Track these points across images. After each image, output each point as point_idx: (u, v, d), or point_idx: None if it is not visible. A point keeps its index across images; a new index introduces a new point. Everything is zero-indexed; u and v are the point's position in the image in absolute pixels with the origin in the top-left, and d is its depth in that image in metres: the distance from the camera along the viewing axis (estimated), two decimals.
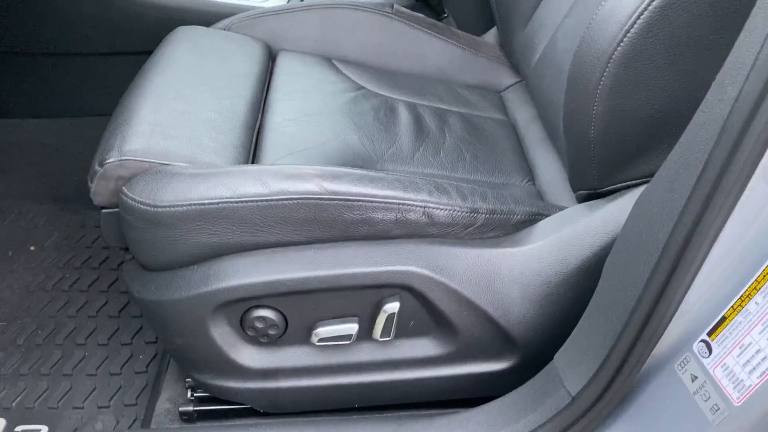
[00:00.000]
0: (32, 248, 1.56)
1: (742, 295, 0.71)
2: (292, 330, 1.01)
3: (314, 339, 1.00)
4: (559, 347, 0.92)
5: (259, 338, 1.00)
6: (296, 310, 0.99)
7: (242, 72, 1.25)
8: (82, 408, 1.25)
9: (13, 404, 1.25)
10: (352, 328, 1.00)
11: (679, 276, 0.72)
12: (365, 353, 1.04)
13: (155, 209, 0.93)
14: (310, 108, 1.22)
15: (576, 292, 0.96)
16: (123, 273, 1.09)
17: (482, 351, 1.03)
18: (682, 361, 0.76)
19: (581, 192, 1.03)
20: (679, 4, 0.82)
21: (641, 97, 0.88)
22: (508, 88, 1.49)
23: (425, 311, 1.00)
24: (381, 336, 1.01)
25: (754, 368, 0.69)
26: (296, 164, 1.05)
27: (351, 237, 0.96)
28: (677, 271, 0.72)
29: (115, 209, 1.00)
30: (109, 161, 0.98)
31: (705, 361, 0.74)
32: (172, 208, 0.92)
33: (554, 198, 1.15)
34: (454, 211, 0.96)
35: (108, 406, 1.26)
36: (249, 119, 1.15)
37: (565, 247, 0.96)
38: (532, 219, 1.01)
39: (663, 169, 0.77)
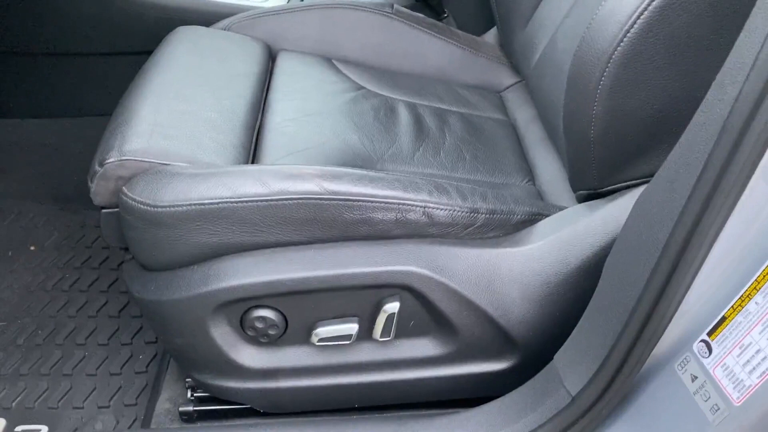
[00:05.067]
0: (32, 248, 1.56)
1: (742, 295, 0.71)
2: (292, 330, 1.01)
3: (314, 339, 1.00)
4: (559, 347, 0.92)
5: (259, 338, 1.00)
6: (296, 310, 0.99)
7: (242, 72, 1.25)
8: (82, 408, 1.25)
9: (13, 404, 1.25)
10: (352, 328, 1.00)
11: (679, 276, 0.72)
12: (365, 353, 1.04)
13: (155, 209, 0.93)
14: (310, 108, 1.22)
15: (576, 292, 0.96)
16: (123, 273, 1.09)
17: (482, 351, 1.03)
18: (682, 361, 0.76)
19: (581, 192, 1.03)
20: (679, 4, 0.82)
21: (641, 97, 0.88)
22: (508, 88, 1.49)
23: (425, 311, 1.00)
24: (381, 336, 1.01)
25: (754, 368, 0.69)
26: (296, 164, 1.05)
27: (351, 237, 0.96)
28: (677, 271, 0.72)
29: (115, 209, 1.00)
30: (109, 161, 0.98)
31: (705, 361, 0.74)
32: (172, 208, 0.92)
33: (554, 198, 1.15)
34: (454, 211, 0.96)
35: (108, 406, 1.26)
36: (249, 119, 1.15)
37: (565, 247, 0.96)
38: (532, 219, 1.01)
39: (663, 169, 0.77)
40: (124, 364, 1.33)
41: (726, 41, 0.79)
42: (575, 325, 0.90)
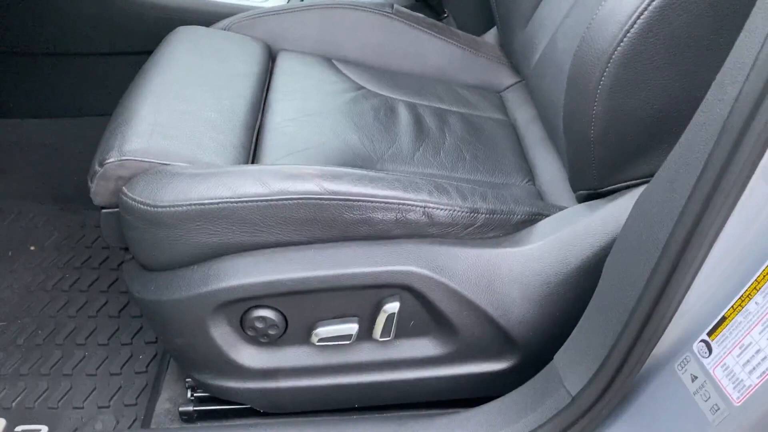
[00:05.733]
0: (32, 248, 1.56)
1: (742, 295, 0.71)
2: (292, 330, 1.01)
3: (314, 339, 1.00)
4: (559, 347, 0.92)
5: (259, 338, 1.00)
6: (296, 310, 0.99)
7: (242, 72, 1.25)
8: (82, 408, 1.25)
9: (13, 404, 1.25)
10: (352, 328, 1.00)
11: (679, 276, 0.72)
12: (365, 353, 1.04)
13: (155, 209, 0.93)
14: (310, 108, 1.22)
15: (576, 292, 0.96)
16: (123, 273, 1.09)
17: (482, 351, 1.03)
18: (682, 361, 0.76)
19: (581, 192, 1.03)
20: (679, 4, 0.82)
21: (641, 97, 0.88)
22: (508, 88, 1.49)
23: (425, 311, 1.00)
24: (381, 336, 1.01)
25: (754, 368, 0.69)
26: (296, 164, 1.05)
27: (351, 237, 0.96)
28: (677, 271, 0.72)
29: (115, 209, 1.00)
30: (109, 161, 0.98)
31: (705, 361, 0.74)
32: (172, 208, 0.92)
33: (554, 198, 1.15)
34: (454, 211, 0.96)
35: (108, 406, 1.26)
36: (249, 119, 1.15)
37: (565, 247, 0.96)
38: (532, 219, 1.01)
39: (663, 169, 0.77)
40: (124, 364, 1.33)
41: (726, 41, 0.79)
42: (575, 325, 0.90)
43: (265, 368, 1.03)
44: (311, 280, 0.95)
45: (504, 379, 1.04)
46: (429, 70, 1.47)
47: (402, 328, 1.02)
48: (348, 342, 1.01)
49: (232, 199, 0.92)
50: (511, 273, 0.97)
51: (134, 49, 1.62)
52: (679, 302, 0.74)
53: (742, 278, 0.71)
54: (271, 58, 1.39)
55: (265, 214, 0.93)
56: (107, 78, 1.72)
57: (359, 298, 0.98)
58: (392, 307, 0.98)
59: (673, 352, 0.78)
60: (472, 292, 0.97)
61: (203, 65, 1.22)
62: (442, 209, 0.96)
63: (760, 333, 0.69)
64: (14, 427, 1.20)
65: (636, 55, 0.85)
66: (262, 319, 0.98)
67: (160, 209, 0.92)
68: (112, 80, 1.47)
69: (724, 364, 0.72)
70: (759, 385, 0.69)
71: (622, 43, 0.84)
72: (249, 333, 1.00)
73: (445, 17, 1.74)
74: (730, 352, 0.72)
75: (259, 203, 0.93)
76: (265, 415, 1.11)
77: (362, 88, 1.33)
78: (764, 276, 0.69)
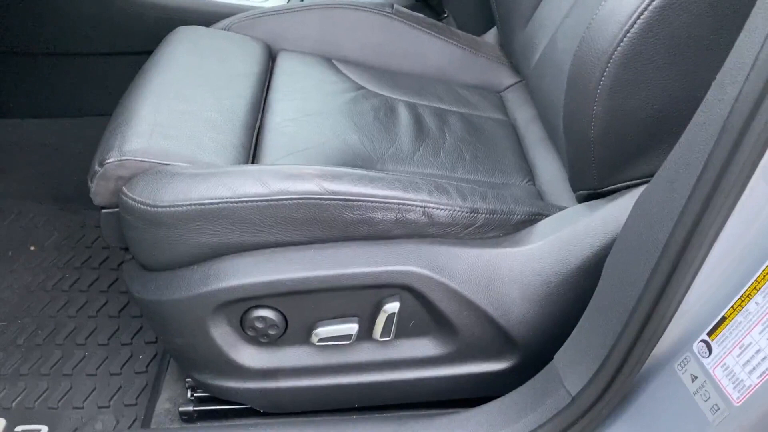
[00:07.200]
0: (32, 248, 1.56)
1: (742, 295, 0.71)
2: (292, 330, 1.01)
3: (314, 339, 1.00)
4: (559, 347, 0.92)
5: (259, 338, 1.00)
6: (296, 310, 0.99)
7: (242, 72, 1.25)
8: (82, 408, 1.25)
9: (13, 404, 1.25)
10: (352, 328, 1.00)
11: (679, 276, 0.72)
12: (365, 353, 1.04)
13: (155, 209, 0.93)
14: (310, 108, 1.22)
15: (576, 292, 0.96)
16: (123, 273, 1.09)
17: (482, 351, 1.03)
18: (682, 361, 0.76)
19: (581, 192, 1.03)
20: (679, 4, 0.82)
21: (641, 97, 0.88)
22: (508, 88, 1.49)
23: (425, 311, 1.00)
24: (381, 336, 1.01)
25: (754, 368, 0.69)
26: (296, 164, 1.05)
27: (351, 237, 0.96)
28: (677, 271, 0.72)
29: (115, 209, 1.00)
30: (109, 161, 0.98)
31: (705, 361, 0.74)
32: (172, 208, 0.92)
33: (554, 198, 1.15)
34: (454, 211, 0.96)
35: (108, 406, 1.26)
36: (249, 119, 1.15)
37: (565, 247, 0.96)
38: (532, 219, 1.01)
39: (663, 169, 0.77)
40: (124, 364, 1.33)
41: (726, 41, 0.79)
42: (575, 325, 0.90)
43: (265, 368, 1.03)
44: (311, 280, 0.95)
45: (504, 379, 1.04)
46: (429, 70, 1.47)
47: (402, 328, 1.02)
48: (348, 342, 1.01)
49: (232, 199, 0.92)
50: (511, 273, 0.97)
51: (134, 49, 1.62)
52: (679, 302, 0.74)
53: (742, 278, 0.71)
54: (271, 58, 1.39)
55: (265, 214, 0.93)
56: (107, 78, 1.72)
57: (359, 298, 0.98)
58: (392, 307, 0.98)
59: (673, 352, 0.78)
60: (472, 292, 0.97)
61: (203, 65, 1.22)
62: (442, 209, 0.96)
63: (760, 333, 0.69)
64: (14, 427, 1.20)
65: (636, 55, 0.85)
66: (262, 319, 0.98)
67: (160, 209, 0.92)
68: (112, 80, 1.47)
69: (724, 364, 0.72)
70: (759, 385, 0.69)
71: (622, 43, 0.84)
72: (249, 333, 1.00)
73: (445, 17, 1.74)
74: (730, 352, 0.72)
75: (259, 203, 0.93)
76: (265, 415, 1.11)
77: (362, 88, 1.33)
78: (764, 276, 0.69)
